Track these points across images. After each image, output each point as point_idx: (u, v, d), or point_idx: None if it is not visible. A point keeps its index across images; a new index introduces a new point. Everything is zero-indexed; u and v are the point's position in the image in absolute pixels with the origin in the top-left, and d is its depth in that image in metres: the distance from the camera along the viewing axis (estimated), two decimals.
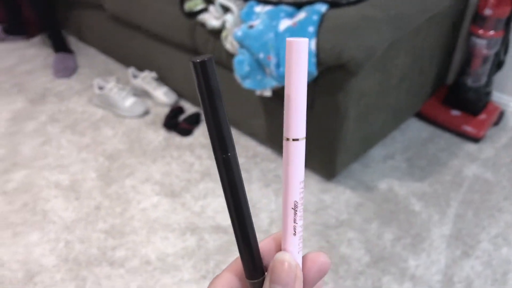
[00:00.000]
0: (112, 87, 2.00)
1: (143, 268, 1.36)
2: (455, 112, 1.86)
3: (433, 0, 1.51)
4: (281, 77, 1.35)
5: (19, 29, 2.57)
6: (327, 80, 1.39)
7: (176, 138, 1.85)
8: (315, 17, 1.32)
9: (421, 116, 1.91)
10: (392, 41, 1.35)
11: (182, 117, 1.95)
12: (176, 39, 1.85)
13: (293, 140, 0.27)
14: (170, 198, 1.58)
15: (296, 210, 0.28)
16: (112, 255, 1.40)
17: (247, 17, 1.49)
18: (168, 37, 1.89)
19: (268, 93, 1.47)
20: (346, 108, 1.43)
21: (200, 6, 1.70)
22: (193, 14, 1.72)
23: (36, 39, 2.62)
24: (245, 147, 1.80)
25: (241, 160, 1.73)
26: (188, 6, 1.72)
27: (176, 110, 1.97)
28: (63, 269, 1.36)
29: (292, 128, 0.27)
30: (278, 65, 1.35)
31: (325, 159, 1.59)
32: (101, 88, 2.05)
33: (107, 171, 1.71)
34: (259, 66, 1.43)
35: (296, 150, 0.28)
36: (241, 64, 1.47)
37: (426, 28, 1.54)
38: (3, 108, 2.07)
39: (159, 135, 1.87)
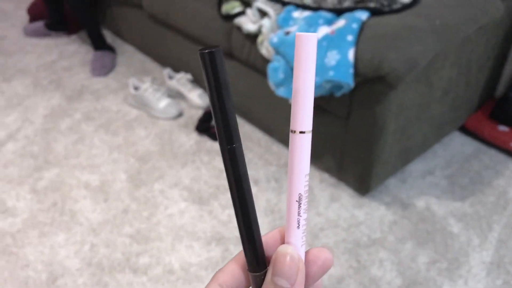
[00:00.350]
0: (147, 88, 1.98)
1: (166, 277, 1.33)
2: (503, 128, 1.74)
3: (484, 10, 1.41)
4: (317, 87, 1.28)
5: (60, 25, 2.60)
6: (364, 92, 1.32)
7: (208, 142, 1.82)
8: (355, 26, 1.26)
9: (466, 130, 1.81)
10: (436, 53, 1.27)
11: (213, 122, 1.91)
12: (212, 41, 1.81)
13: (300, 132, 0.28)
14: (198, 205, 1.55)
15: (300, 203, 0.29)
16: (136, 262, 1.37)
17: (284, 22, 1.43)
18: (204, 39, 1.86)
19: None
20: (384, 121, 1.35)
21: (237, 9, 1.66)
22: (230, 17, 1.68)
23: (77, 36, 2.64)
24: (277, 155, 1.74)
25: (272, 169, 1.68)
26: (225, 8, 1.68)
27: (209, 113, 1.94)
28: (86, 273, 1.35)
29: (299, 120, 0.27)
30: None
31: (359, 173, 1.52)
32: (136, 88, 2.04)
33: (137, 173, 1.69)
34: None
35: (302, 142, 0.28)
36: (276, 71, 1.41)
37: (474, 39, 1.44)
38: (41, 104, 2.09)
39: (191, 139, 1.85)
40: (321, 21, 1.36)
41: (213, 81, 0.25)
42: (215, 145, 1.80)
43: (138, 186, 1.64)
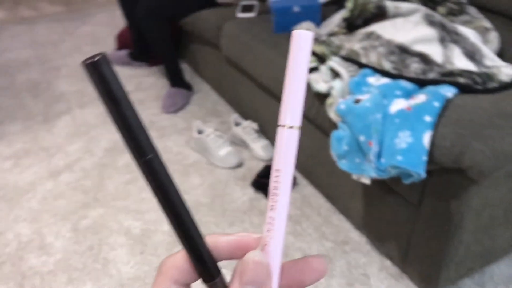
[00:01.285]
0: (209, 133, 1.88)
1: None
2: None
3: None
4: (381, 171, 1.09)
5: (143, 56, 2.61)
6: (440, 180, 1.11)
7: (262, 201, 1.67)
8: (437, 104, 1.06)
9: None
10: None
11: None
12: (280, 94, 1.68)
13: (289, 127, 0.27)
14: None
15: (269, 198, 0.28)
16: None
17: (356, 87, 1.26)
18: (273, 90, 1.73)
19: (366, 180, 1.22)
20: (462, 219, 1.12)
21: (312, 64, 1.51)
22: None
23: (157, 68, 2.64)
24: (336, 229, 1.55)
25: (328, 244, 1.49)
26: None
27: (270, 168, 1.79)
28: None
29: (288, 115, 0.27)
30: (380, 155, 1.10)
31: (426, 269, 1.28)
32: (200, 132, 1.95)
33: None
34: (359, 147, 1.19)
35: (284, 137, 0.27)
36: (339, 142, 1.24)
37: None
38: (105, 136, 2.06)
39: (245, 194, 1.70)
40: (398, 92, 1.17)
41: (105, 94, 0.22)
42: None
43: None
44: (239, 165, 1.85)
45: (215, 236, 0.29)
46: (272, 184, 0.28)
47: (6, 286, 1.38)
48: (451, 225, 1.14)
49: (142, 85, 2.48)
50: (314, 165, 1.65)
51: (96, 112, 2.25)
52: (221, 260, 0.28)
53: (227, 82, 2.19)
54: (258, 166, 1.83)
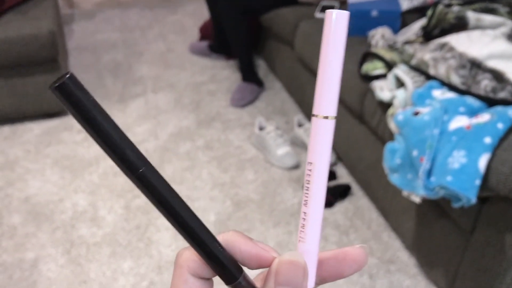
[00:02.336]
0: (270, 131, 1.87)
1: None
2: None
3: None
4: (430, 190, 1.02)
5: (222, 49, 2.65)
6: (496, 209, 1.02)
7: None
8: (501, 126, 0.97)
9: None
10: None
11: (329, 184, 1.71)
12: (346, 99, 1.63)
13: (324, 117, 0.25)
14: None
15: (304, 192, 0.26)
16: None
17: (419, 99, 1.19)
18: (339, 94, 1.68)
19: (416, 199, 1.14)
20: None
21: (379, 71, 1.45)
22: (369, 78, 1.48)
23: (234, 62, 2.66)
24: (385, 245, 1.47)
25: (372, 261, 1.42)
26: (365, 68, 1.48)
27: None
28: None
29: (323, 104, 0.25)
30: (430, 174, 1.02)
31: None
32: (261, 128, 1.95)
33: (226, 218, 1.58)
34: (412, 163, 1.12)
35: (324, 128, 0.26)
36: (393, 154, 1.18)
37: None
38: (172, 122, 2.12)
39: (296, 197, 1.67)
40: (462, 108, 1.08)
41: (78, 115, 0.21)
42: None
43: (221, 233, 1.52)
44: (296, 167, 1.83)
45: (238, 236, 0.27)
46: (305, 178, 0.26)
47: (55, 249, 1.46)
48: (504, 259, 1.04)
49: (216, 77, 2.52)
50: (372, 176, 1.59)
51: (168, 98, 2.32)
52: None
53: (298, 81, 2.16)
54: None
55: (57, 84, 0.21)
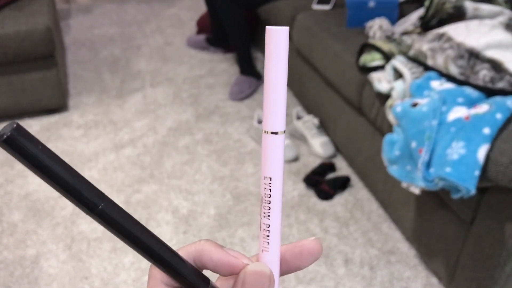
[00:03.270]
0: None
1: None
2: None
3: None
4: (429, 181, 1.02)
5: (220, 42, 2.64)
6: (495, 200, 1.02)
7: (312, 199, 1.63)
8: (499, 116, 0.96)
9: None
10: None
11: (329, 176, 1.72)
12: (344, 91, 1.63)
13: (272, 133, 0.26)
14: None
15: (261, 205, 0.28)
16: None
17: (417, 90, 1.19)
18: (338, 85, 1.68)
19: (416, 190, 1.14)
20: None
21: (377, 62, 1.45)
22: (367, 69, 1.47)
23: (232, 55, 2.66)
24: (384, 237, 1.48)
25: (373, 252, 1.43)
26: (363, 59, 1.48)
27: (326, 166, 1.75)
28: None
29: (270, 120, 0.26)
30: (429, 165, 1.02)
31: None
32: (260, 121, 1.94)
33: (227, 212, 1.58)
34: (411, 154, 1.12)
35: (270, 143, 0.26)
36: (391, 146, 1.17)
37: None
38: (171, 116, 2.12)
39: (296, 189, 1.67)
40: (461, 99, 1.08)
41: (29, 164, 0.21)
42: (319, 205, 1.60)
43: (222, 226, 1.52)
44: (295, 159, 1.82)
45: (209, 245, 0.28)
46: (263, 191, 0.27)
47: (55, 245, 1.46)
48: (503, 249, 1.05)
49: (215, 70, 2.51)
50: (371, 168, 1.59)
51: (166, 92, 2.31)
52: (205, 269, 0.28)
53: (296, 74, 2.15)
54: (315, 163, 1.79)
55: (3, 138, 0.20)
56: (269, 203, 0.27)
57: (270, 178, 0.27)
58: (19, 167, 1.80)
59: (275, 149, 0.26)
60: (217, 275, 0.29)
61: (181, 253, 0.27)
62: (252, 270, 0.27)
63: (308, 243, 0.29)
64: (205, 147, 1.91)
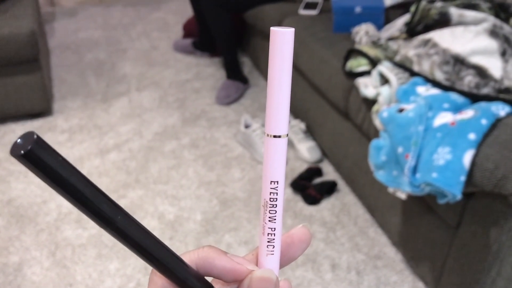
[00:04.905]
0: (256, 128, 1.87)
1: None
2: None
3: None
4: (415, 187, 1.02)
5: (206, 46, 2.63)
6: (481, 205, 1.02)
7: (299, 204, 1.63)
8: (484, 122, 0.97)
9: None
10: None
11: (316, 181, 1.72)
12: (330, 96, 1.63)
13: (274, 136, 0.26)
14: None
15: (265, 209, 0.28)
16: None
17: (403, 96, 1.19)
18: (324, 90, 1.68)
19: (402, 195, 1.15)
20: (500, 249, 1.03)
21: (363, 68, 1.45)
22: (353, 75, 1.48)
23: (219, 59, 2.65)
24: (371, 241, 1.48)
25: (359, 256, 1.43)
26: (350, 64, 1.49)
27: (313, 171, 1.75)
28: None
29: (273, 124, 0.26)
30: (415, 171, 1.03)
31: None
32: (247, 126, 1.94)
33: (213, 217, 1.57)
34: (398, 159, 1.12)
35: (276, 147, 0.26)
36: (378, 151, 1.18)
37: None
38: (157, 120, 2.10)
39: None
40: (446, 105, 1.09)
41: (51, 180, 0.20)
42: (306, 209, 1.60)
43: (209, 232, 1.51)
44: None
45: (213, 252, 0.28)
46: (269, 195, 0.27)
47: (39, 252, 1.44)
48: (489, 254, 1.06)
49: (201, 75, 2.51)
50: (358, 173, 1.59)
51: (152, 96, 2.30)
52: (208, 276, 0.28)
53: None
54: (301, 168, 1.79)
55: (21, 152, 0.18)
56: (275, 207, 0.27)
57: (277, 182, 0.27)
58: (2, 172, 1.77)
59: (279, 153, 0.26)
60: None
61: (184, 259, 0.27)
62: (258, 276, 0.27)
63: (297, 231, 0.29)
64: (191, 151, 1.90)
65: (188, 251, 0.28)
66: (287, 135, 0.27)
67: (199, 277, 0.27)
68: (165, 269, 0.26)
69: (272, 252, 0.28)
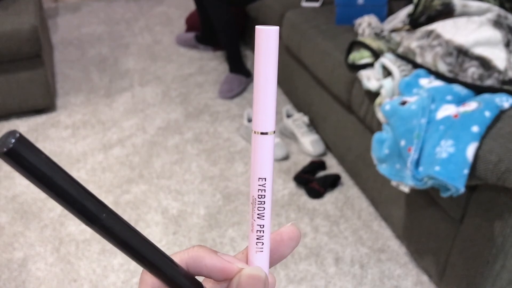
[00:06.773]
0: None
1: None
2: None
3: None
4: (418, 180, 1.01)
5: (209, 40, 2.62)
6: (484, 198, 1.01)
7: (302, 197, 1.63)
8: (488, 114, 0.96)
9: None
10: None
11: (319, 174, 1.71)
12: (333, 88, 1.62)
13: (261, 133, 0.26)
14: None
15: (254, 206, 0.28)
16: None
17: (406, 88, 1.18)
18: (326, 84, 1.67)
19: (405, 189, 1.14)
20: (504, 242, 1.02)
21: (366, 60, 1.44)
22: (356, 67, 1.47)
23: (222, 53, 2.64)
24: (375, 235, 1.48)
25: (362, 250, 1.42)
26: (352, 57, 1.47)
27: (316, 164, 1.74)
28: None
29: (260, 120, 0.26)
30: (418, 164, 1.02)
31: None
32: (250, 120, 1.93)
33: (217, 212, 1.57)
34: (400, 152, 1.11)
35: (263, 144, 0.26)
36: (381, 144, 1.17)
37: None
38: (160, 115, 2.10)
39: (286, 188, 1.67)
40: (449, 97, 1.08)
41: (33, 178, 0.20)
42: (309, 203, 1.60)
43: (212, 227, 1.51)
44: (285, 158, 1.82)
45: (203, 251, 0.28)
46: (257, 192, 0.27)
47: (43, 248, 1.45)
48: (493, 247, 1.05)
49: (204, 69, 2.50)
50: (361, 166, 1.58)
51: (155, 91, 2.30)
52: (199, 275, 0.28)
53: (285, 72, 2.15)
54: (305, 161, 1.79)
55: (5, 150, 0.18)
56: (264, 204, 0.28)
57: (265, 179, 0.27)
58: (6, 168, 1.78)
59: (265, 150, 0.27)
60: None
61: (175, 259, 0.27)
62: (247, 274, 0.27)
63: (286, 229, 0.30)
64: (194, 146, 1.90)
65: (178, 251, 0.28)
66: (274, 132, 0.26)
67: (188, 276, 0.27)
68: (153, 267, 0.26)
69: (261, 249, 0.28)
